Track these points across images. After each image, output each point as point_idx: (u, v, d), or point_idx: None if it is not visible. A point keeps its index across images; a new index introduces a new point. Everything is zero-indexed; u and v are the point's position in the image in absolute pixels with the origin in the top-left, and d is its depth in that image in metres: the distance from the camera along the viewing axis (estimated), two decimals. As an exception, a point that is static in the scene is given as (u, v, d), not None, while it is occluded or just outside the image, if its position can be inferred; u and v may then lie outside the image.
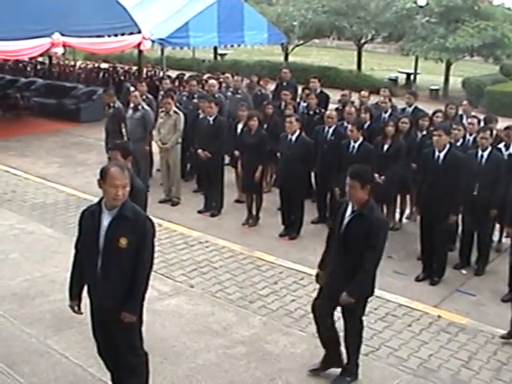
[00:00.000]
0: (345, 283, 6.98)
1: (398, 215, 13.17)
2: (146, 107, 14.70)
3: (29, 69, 31.86)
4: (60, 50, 21.25)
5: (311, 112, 14.46)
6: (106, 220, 6.24)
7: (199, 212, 13.63)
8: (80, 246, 6.65)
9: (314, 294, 9.59)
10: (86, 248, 6.44)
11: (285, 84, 17.78)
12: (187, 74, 23.90)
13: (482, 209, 10.75)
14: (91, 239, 6.30)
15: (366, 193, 7.01)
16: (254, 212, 13.04)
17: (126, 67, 29.87)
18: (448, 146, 10.53)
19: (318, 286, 9.94)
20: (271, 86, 19.21)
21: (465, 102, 14.25)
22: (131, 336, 6.51)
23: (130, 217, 6.17)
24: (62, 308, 8.93)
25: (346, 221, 7.10)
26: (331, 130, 12.60)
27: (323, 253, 7.63)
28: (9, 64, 31.82)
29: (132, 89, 16.95)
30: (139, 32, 23.25)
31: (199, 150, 13.53)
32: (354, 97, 16.24)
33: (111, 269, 6.24)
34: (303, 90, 16.18)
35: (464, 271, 11.12)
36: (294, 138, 12.03)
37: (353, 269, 6.94)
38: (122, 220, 6.17)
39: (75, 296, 6.74)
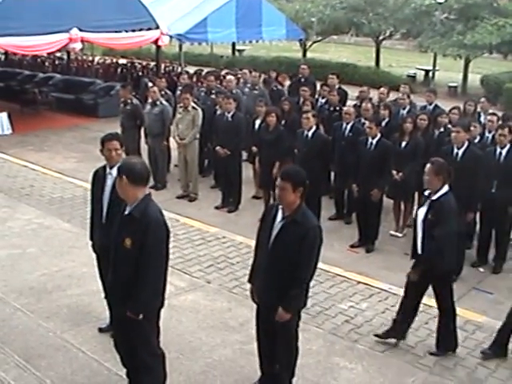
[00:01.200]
0: (278, 296, 6.56)
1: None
2: (164, 103, 14.75)
3: (47, 64, 32.03)
4: (78, 46, 21.34)
5: (332, 108, 14.42)
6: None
7: (216, 208, 13.64)
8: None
9: (331, 291, 9.68)
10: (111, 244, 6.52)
11: (303, 80, 17.74)
12: (205, 70, 23.91)
13: (500, 206, 10.70)
14: (112, 236, 6.40)
15: (297, 196, 6.48)
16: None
17: (144, 63, 29.93)
18: (467, 143, 10.50)
19: (335, 283, 10.00)
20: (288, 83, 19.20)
21: (482, 99, 14.20)
22: (145, 335, 6.50)
23: (137, 217, 6.18)
24: (78, 302, 9.03)
25: (276, 228, 6.60)
26: (349, 127, 12.56)
27: (252, 264, 7.17)
28: (27, 59, 31.98)
29: (150, 84, 16.99)
30: (157, 27, 23.30)
31: (218, 147, 13.54)
32: (373, 93, 16.19)
33: (120, 268, 6.31)
34: (321, 87, 16.15)
35: (481, 269, 11.08)
36: (310, 134, 12.01)
37: (285, 280, 6.49)
38: (129, 219, 6.22)
39: None
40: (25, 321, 8.64)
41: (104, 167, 7.88)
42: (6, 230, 11.90)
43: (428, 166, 7.93)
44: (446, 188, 7.84)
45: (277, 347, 6.95)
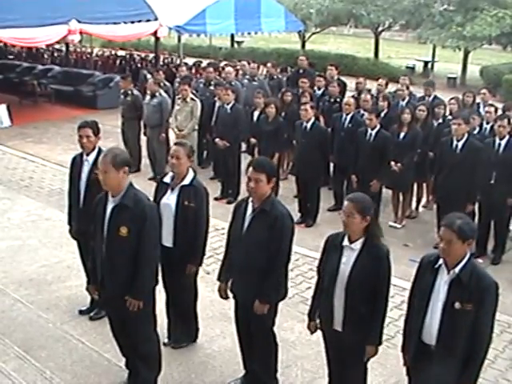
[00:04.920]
0: (255, 291, 6.48)
1: (414, 203, 13.13)
2: (163, 94, 14.76)
3: (46, 56, 32.02)
4: (77, 38, 21.38)
5: (332, 100, 14.40)
6: (109, 207, 6.36)
7: (216, 199, 13.60)
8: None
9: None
10: (95, 234, 6.56)
11: (301, 71, 17.72)
12: (204, 62, 23.92)
13: (499, 197, 10.70)
14: (98, 226, 6.43)
15: (270, 187, 6.38)
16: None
17: (143, 54, 29.93)
18: (466, 134, 10.49)
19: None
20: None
21: (484, 91, 14.14)
22: (142, 323, 6.59)
23: (130, 205, 6.25)
24: (78, 293, 9.03)
25: (247, 221, 6.51)
26: (349, 118, 12.58)
27: (222, 261, 7.11)
28: (26, 51, 31.93)
29: (149, 76, 16.99)
30: (156, 19, 23.29)
31: (217, 139, 13.55)
32: (371, 85, 16.16)
33: (114, 256, 6.38)
34: (318, 77, 16.09)
35: (480, 260, 11.03)
36: (309, 125, 12.02)
37: (259, 272, 6.41)
38: (122, 209, 6.27)
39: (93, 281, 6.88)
40: (24, 312, 8.66)
41: (81, 154, 8.21)
42: (6, 222, 11.93)
43: (176, 147, 7.32)
44: (192, 172, 7.36)
45: (254, 345, 6.93)
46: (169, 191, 7.31)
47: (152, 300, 6.67)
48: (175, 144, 7.45)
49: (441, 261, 5.45)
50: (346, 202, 5.88)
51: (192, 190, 7.24)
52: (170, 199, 7.28)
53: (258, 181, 6.29)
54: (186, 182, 7.25)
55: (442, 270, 5.46)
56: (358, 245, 5.87)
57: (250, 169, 6.37)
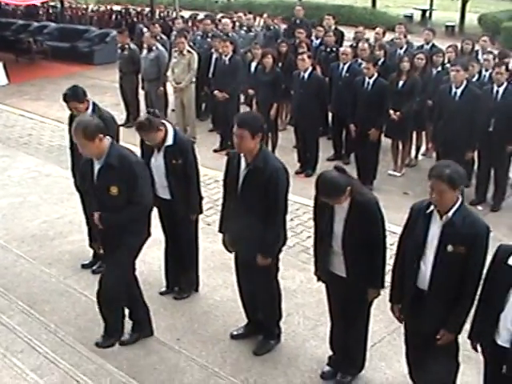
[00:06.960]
0: (253, 243, 6.44)
1: (413, 152, 13.12)
2: (160, 48, 14.70)
3: (41, 13, 31.71)
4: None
5: (328, 49, 14.33)
6: (96, 168, 6.41)
7: (215, 151, 13.65)
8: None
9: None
10: (86, 193, 6.74)
11: (298, 22, 17.61)
12: (201, 15, 23.71)
13: (498, 145, 10.70)
14: (88, 185, 6.53)
15: (257, 142, 6.28)
16: (270, 150, 13.06)
17: (139, 9, 29.66)
18: (465, 82, 10.44)
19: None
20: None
21: (484, 38, 14.00)
22: (115, 271, 6.72)
23: (116, 165, 6.29)
24: (80, 248, 9.09)
25: (241, 176, 6.47)
26: (346, 67, 12.54)
27: (221, 213, 7.07)
28: (21, 9, 31.66)
29: (145, 30, 16.88)
30: (150, -28, 23.07)
31: (216, 91, 13.52)
32: (369, 34, 16.06)
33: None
34: (315, 27, 16.00)
35: (480, 207, 11.10)
36: (306, 75, 11.97)
37: (258, 227, 6.35)
38: (108, 169, 6.32)
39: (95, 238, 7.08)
40: (28, 268, 8.74)
41: None
42: (6, 179, 11.96)
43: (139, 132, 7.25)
44: (171, 130, 7.35)
45: (257, 295, 6.98)
46: (155, 151, 7.34)
47: (134, 253, 6.80)
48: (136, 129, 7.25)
49: (432, 207, 5.45)
50: (324, 198, 5.82)
51: (176, 148, 7.27)
52: (157, 160, 7.34)
53: (242, 137, 6.22)
54: (169, 141, 7.26)
55: (435, 216, 5.47)
56: (345, 204, 5.84)
57: (235, 125, 6.31)
